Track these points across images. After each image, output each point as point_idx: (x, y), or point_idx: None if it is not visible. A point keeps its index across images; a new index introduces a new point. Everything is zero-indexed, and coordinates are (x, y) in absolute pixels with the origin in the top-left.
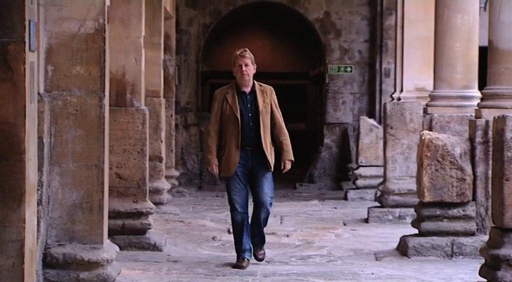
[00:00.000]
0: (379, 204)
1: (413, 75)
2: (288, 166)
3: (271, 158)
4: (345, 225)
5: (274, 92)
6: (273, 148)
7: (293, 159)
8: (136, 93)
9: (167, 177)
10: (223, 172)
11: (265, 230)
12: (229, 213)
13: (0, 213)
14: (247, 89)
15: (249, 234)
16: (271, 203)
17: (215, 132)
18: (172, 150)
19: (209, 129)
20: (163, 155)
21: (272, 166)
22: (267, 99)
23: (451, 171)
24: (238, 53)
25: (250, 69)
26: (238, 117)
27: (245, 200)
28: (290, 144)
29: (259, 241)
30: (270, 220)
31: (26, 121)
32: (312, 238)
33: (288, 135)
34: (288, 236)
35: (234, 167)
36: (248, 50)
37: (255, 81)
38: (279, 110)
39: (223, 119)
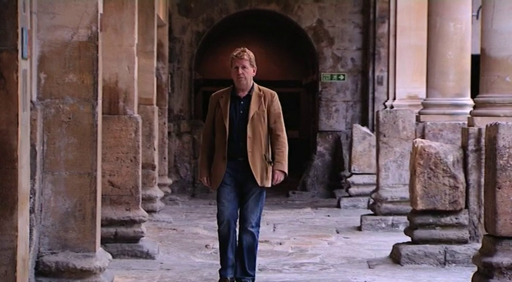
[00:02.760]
0: (372, 212)
1: (406, 83)
2: (280, 178)
3: (259, 173)
4: (338, 233)
5: (276, 98)
6: (268, 161)
7: (286, 170)
8: (129, 101)
9: (160, 185)
10: (212, 183)
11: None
12: None
13: None
14: (243, 94)
15: (235, 250)
16: (257, 231)
17: (208, 140)
18: (165, 158)
19: (203, 136)
20: (156, 162)
21: (264, 182)
22: (264, 105)
23: (443, 179)
24: (235, 54)
25: (248, 72)
26: (226, 124)
27: (233, 213)
28: (286, 155)
29: (241, 272)
30: (263, 228)
31: (18, 129)
32: (305, 246)
33: (286, 145)
34: (280, 244)
35: (220, 179)
36: (247, 50)
37: (255, 84)
38: (281, 118)
39: (215, 126)
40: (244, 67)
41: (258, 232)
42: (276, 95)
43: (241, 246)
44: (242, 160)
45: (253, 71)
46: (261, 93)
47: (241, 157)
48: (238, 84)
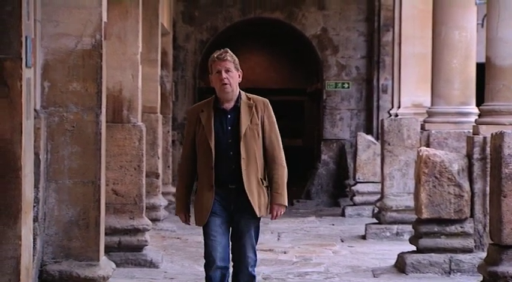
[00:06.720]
0: (376, 221)
1: (411, 91)
2: (280, 213)
3: (257, 201)
4: (342, 241)
5: (269, 106)
6: (264, 186)
7: (286, 203)
8: (133, 109)
9: (164, 194)
10: (196, 219)
11: (261, 247)
12: None
13: None
14: (229, 105)
15: None
16: (254, 266)
17: (188, 164)
18: (169, 167)
19: (181, 160)
20: (160, 171)
21: (262, 211)
22: (257, 117)
23: (448, 188)
24: (215, 56)
25: (233, 77)
26: (212, 145)
27: (227, 252)
28: (285, 183)
29: None
30: (267, 236)
31: (22, 138)
32: (309, 255)
33: (285, 170)
34: (285, 253)
35: (207, 212)
36: (230, 51)
37: (242, 92)
38: (276, 130)
39: (197, 146)
40: (228, 70)
41: (254, 268)
42: (269, 102)
43: None
44: (234, 187)
45: (239, 76)
46: (251, 102)
47: (233, 183)
48: (223, 93)
